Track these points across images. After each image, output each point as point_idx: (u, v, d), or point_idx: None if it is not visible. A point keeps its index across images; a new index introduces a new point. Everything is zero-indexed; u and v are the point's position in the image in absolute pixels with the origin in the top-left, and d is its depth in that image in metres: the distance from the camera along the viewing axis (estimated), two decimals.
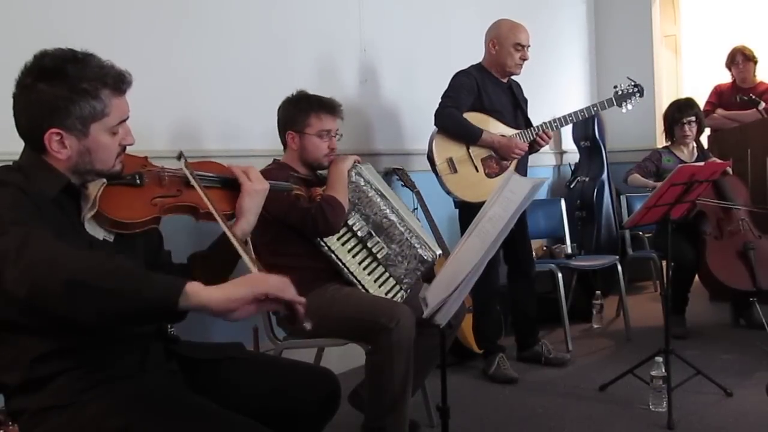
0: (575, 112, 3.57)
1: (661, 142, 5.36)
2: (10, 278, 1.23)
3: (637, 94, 3.66)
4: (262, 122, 3.12)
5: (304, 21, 3.45)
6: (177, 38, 2.90)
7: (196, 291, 1.23)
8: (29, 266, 1.21)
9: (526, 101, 3.65)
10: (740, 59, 4.91)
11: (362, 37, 3.77)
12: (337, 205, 2.38)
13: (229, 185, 1.71)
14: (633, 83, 3.66)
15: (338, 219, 2.39)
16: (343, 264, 2.44)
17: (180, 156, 1.62)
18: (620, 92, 3.65)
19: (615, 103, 3.63)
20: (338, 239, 2.45)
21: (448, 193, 3.38)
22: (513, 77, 3.58)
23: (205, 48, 3.01)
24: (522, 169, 3.54)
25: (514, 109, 3.54)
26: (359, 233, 2.48)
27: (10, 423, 1.77)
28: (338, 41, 3.65)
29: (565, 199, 4.68)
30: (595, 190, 5.08)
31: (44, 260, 1.22)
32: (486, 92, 3.42)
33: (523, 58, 3.46)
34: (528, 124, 3.53)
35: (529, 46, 3.48)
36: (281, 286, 1.29)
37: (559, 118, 3.52)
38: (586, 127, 5.24)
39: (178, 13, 2.91)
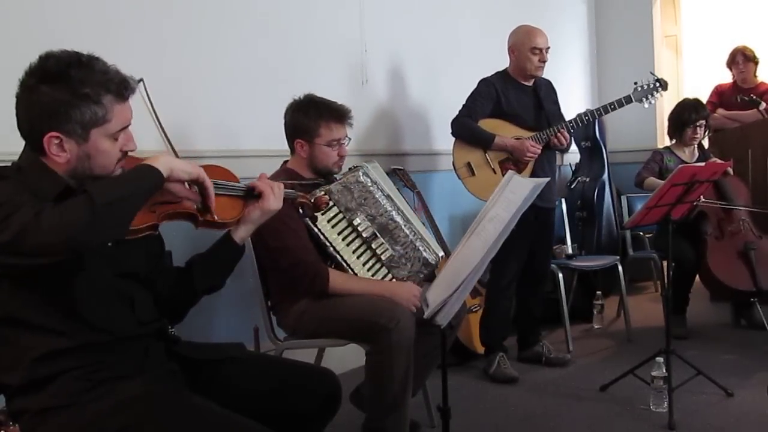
0: (591, 111, 3.58)
1: (661, 142, 5.37)
2: (36, 243, 1.26)
3: (660, 89, 3.64)
4: (262, 123, 3.13)
5: (304, 21, 3.45)
6: (177, 38, 2.90)
7: (162, 157, 1.47)
8: (52, 225, 1.27)
9: (555, 101, 3.68)
10: (741, 59, 4.91)
11: (363, 38, 3.77)
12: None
13: (238, 193, 1.71)
14: (656, 78, 3.64)
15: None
16: (348, 264, 2.43)
17: (140, 80, 1.60)
18: (640, 88, 3.62)
19: (633, 100, 3.60)
20: (343, 239, 2.45)
21: (473, 195, 3.50)
22: (544, 77, 3.63)
23: (204, 48, 3.01)
24: (549, 170, 3.57)
25: (536, 111, 3.57)
26: (364, 234, 2.48)
27: (11, 423, 1.77)
28: (339, 41, 3.65)
29: (566, 200, 4.68)
30: (596, 191, 5.08)
31: (61, 213, 1.29)
32: (506, 97, 3.52)
33: (542, 61, 3.52)
34: (551, 124, 3.53)
35: (548, 48, 3.53)
36: (211, 183, 1.57)
37: (574, 119, 3.53)
38: (587, 127, 5.21)
39: (178, 13, 2.91)
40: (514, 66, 3.58)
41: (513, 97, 3.54)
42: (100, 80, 1.45)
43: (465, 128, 3.48)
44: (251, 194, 1.72)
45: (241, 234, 1.74)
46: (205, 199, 1.56)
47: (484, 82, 3.55)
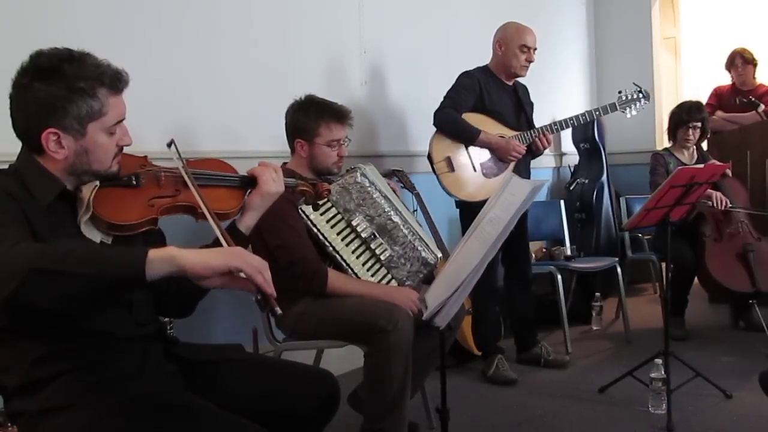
0: (576, 116, 3.56)
1: (660, 144, 5.37)
2: None
3: (643, 100, 3.63)
4: (262, 124, 3.13)
5: (304, 23, 3.45)
6: (178, 40, 2.91)
7: (170, 254, 1.28)
8: None
9: (532, 105, 3.66)
10: (740, 62, 4.91)
11: (362, 39, 3.77)
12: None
13: (236, 183, 1.71)
14: (638, 89, 3.64)
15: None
16: (347, 264, 2.44)
17: (171, 143, 1.60)
18: (624, 97, 3.62)
19: (618, 108, 3.60)
20: (342, 240, 2.46)
21: (447, 191, 3.40)
22: (521, 80, 3.61)
23: (205, 50, 3.01)
24: (524, 172, 3.54)
25: (516, 111, 3.54)
26: (363, 234, 2.48)
27: (10, 424, 1.77)
28: (338, 43, 3.65)
29: (565, 201, 4.68)
30: (595, 192, 5.08)
31: (5, 259, 1.20)
32: (488, 93, 3.44)
33: (529, 60, 3.48)
34: (531, 127, 3.54)
35: (535, 48, 3.50)
36: (257, 266, 1.35)
37: (560, 121, 3.51)
38: (586, 129, 5.24)
39: (179, 15, 2.91)
40: (498, 62, 3.51)
41: (495, 94, 3.47)
42: (94, 74, 1.45)
43: (451, 120, 3.34)
44: (249, 182, 1.72)
45: (247, 222, 1.73)
46: (259, 288, 1.36)
47: (467, 75, 3.45)
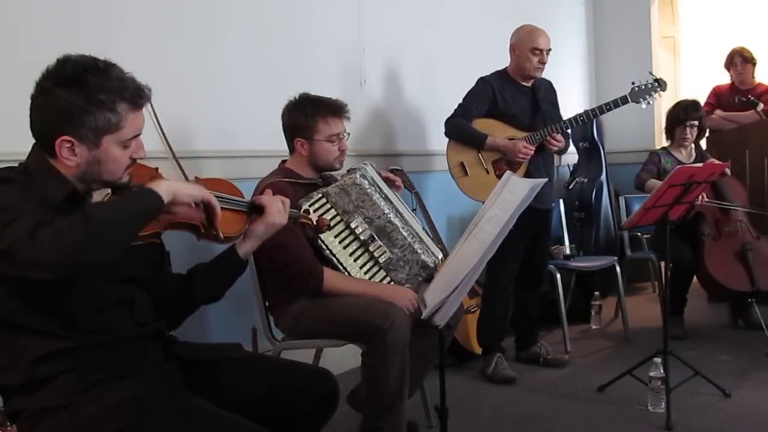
0: (586, 112, 3.53)
1: (659, 143, 5.38)
2: (28, 258, 1.24)
3: (658, 89, 3.58)
4: (261, 123, 3.12)
5: (303, 22, 3.45)
6: (174, 39, 2.90)
7: (165, 182, 1.47)
8: (46, 243, 1.24)
9: (554, 102, 3.66)
10: (739, 61, 4.91)
11: (361, 38, 3.77)
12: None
13: (242, 207, 1.71)
14: (654, 78, 3.59)
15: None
16: (344, 267, 2.43)
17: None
18: (637, 88, 3.55)
19: (630, 100, 3.53)
20: (340, 242, 2.45)
21: (465, 194, 3.50)
22: (545, 78, 3.64)
23: (203, 49, 3.01)
24: (545, 171, 3.54)
25: (533, 112, 3.56)
26: (361, 236, 2.46)
27: (9, 423, 1.77)
28: (336, 42, 3.65)
29: (564, 200, 4.68)
30: (594, 191, 5.08)
31: (58, 232, 1.26)
32: (503, 97, 3.51)
33: (542, 62, 3.51)
34: (549, 124, 3.50)
35: (549, 50, 3.52)
36: (218, 204, 1.57)
37: (570, 119, 3.49)
38: (585, 128, 5.24)
39: (176, 13, 2.91)
40: (513, 65, 3.57)
41: (510, 96, 3.52)
42: (116, 87, 1.45)
43: (457, 128, 3.47)
44: (255, 209, 1.72)
45: (246, 248, 1.74)
46: (211, 218, 1.57)
47: (481, 81, 3.54)
